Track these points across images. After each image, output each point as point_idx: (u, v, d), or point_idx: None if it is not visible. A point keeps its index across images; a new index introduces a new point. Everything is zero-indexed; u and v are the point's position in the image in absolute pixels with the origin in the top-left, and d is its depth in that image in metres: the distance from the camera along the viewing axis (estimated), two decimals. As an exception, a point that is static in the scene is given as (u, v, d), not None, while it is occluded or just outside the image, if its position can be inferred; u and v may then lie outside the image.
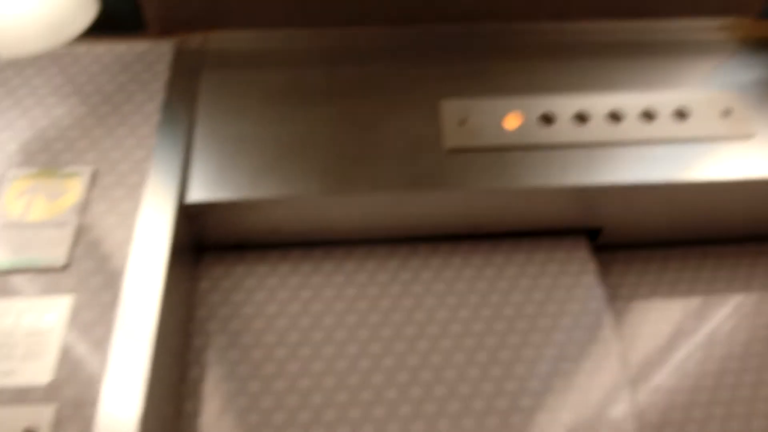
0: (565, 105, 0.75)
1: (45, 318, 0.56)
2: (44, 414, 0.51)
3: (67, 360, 0.54)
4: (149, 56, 0.74)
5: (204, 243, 0.72)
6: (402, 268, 0.73)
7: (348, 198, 0.67)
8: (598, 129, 0.73)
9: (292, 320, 0.69)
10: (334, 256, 0.73)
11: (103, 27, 0.68)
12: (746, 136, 0.75)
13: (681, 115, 0.76)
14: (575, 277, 0.75)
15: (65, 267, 0.59)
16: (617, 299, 0.78)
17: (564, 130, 0.73)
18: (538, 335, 0.70)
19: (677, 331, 0.78)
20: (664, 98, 0.77)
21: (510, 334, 0.70)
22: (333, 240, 0.74)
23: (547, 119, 0.74)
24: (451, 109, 0.73)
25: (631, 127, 0.74)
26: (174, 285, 0.62)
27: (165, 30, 0.76)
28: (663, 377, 0.74)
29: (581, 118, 0.74)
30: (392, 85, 0.75)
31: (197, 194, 0.65)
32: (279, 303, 0.70)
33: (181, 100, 0.70)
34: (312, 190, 0.66)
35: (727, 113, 0.76)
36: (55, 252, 0.60)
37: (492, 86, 0.76)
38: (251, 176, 0.66)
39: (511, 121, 0.73)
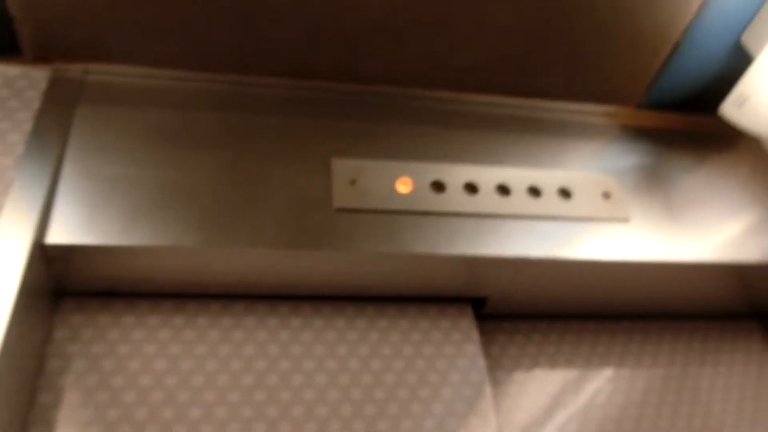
0: (455, 174, 0.76)
1: None
2: None
3: None
4: (20, 82, 0.68)
5: (65, 288, 0.66)
6: (282, 327, 0.70)
7: (227, 251, 0.64)
8: (487, 200, 0.75)
9: (157, 378, 0.63)
10: (210, 310, 0.69)
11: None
12: (623, 220, 0.79)
13: (565, 193, 0.79)
14: (458, 347, 0.75)
15: None
16: (498, 369, 0.79)
17: (454, 199, 0.74)
18: (418, 406, 0.68)
19: (554, 403, 0.78)
20: (550, 176, 0.80)
21: (389, 403, 0.68)
22: (210, 293, 0.70)
23: (438, 187, 0.75)
24: (342, 167, 0.72)
25: (519, 201, 0.76)
26: (21, 332, 0.56)
27: (41, 57, 0.71)
28: (537, 452, 0.74)
29: (471, 188, 0.76)
30: (284, 138, 0.74)
31: (60, 235, 0.60)
32: (144, 358, 0.64)
33: (51, 132, 0.65)
34: (189, 240, 0.63)
35: (607, 196, 0.81)
36: None
37: (385, 149, 0.76)
38: (124, 220, 0.62)
39: (402, 186, 0.73)
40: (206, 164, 0.69)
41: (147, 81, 0.74)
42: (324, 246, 0.66)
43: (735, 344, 0.90)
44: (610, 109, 0.93)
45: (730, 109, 0.81)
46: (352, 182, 0.71)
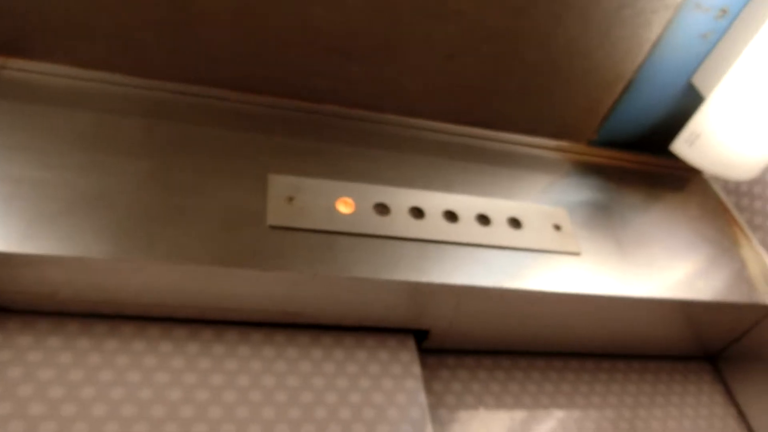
0: (401, 197, 0.73)
1: None
2: None
3: None
4: None
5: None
6: (203, 354, 0.63)
7: (144, 266, 0.57)
8: (433, 226, 0.71)
9: (52, 407, 0.56)
10: (122, 333, 0.62)
11: None
12: (574, 253, 0.76)
13: (515, 223, 0.76)
14: (398, 381, 0.69)
15: None
16: (440, 407, 0.73)
17: (398, 223, 0.70)
18: (349, 444, 0.62)
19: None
20: (500, 205, 0.77)
21: (318, 441, 0.62)
22: (123, 314, 0.63)
23: (382, 209, 0.70)
24: (279, 184, 0.68)
25: (467, 228, 0.73)
26: None
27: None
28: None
29: (417, 212, 0.72)
30: (219, 151, 0.69)
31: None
32: (38, 384, 0.57)
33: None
34: (101, 251, 0.56)
35: (557, 228, 0.78)
36: None
37: (328, 168, 0.72)
38: (26, 226, 0.55)
39: (343, 206, 0.68)
40: (129, 171, 0.63)
41: (69, 81, 0.69)
42: (253, 264, 0.60)
43: (686, 386, 0.87)
44: (562, 144, 0.91)
45: (682, 145, 0.80)
46: (290, 199, 0.66)
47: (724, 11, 0.77)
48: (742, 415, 0.87)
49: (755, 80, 0.73)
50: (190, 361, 0.62)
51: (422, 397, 0.68)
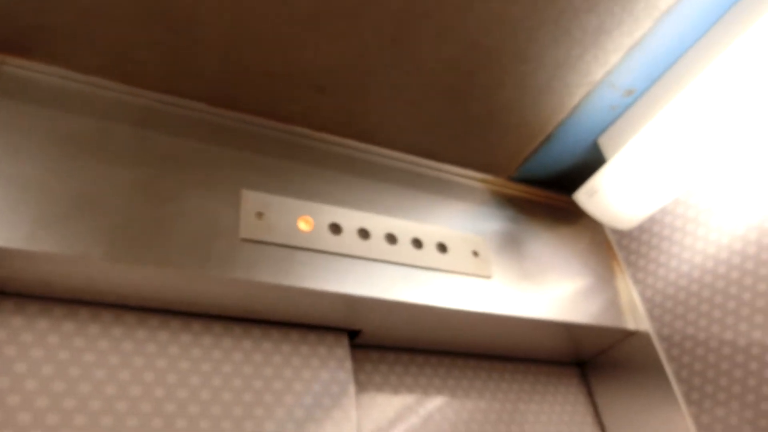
0: (352, 219, 0.85)
1: None
2: None
3: None
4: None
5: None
6: (172, 342, 0.74)
7: (136, 269, 0.67)
8: (376, 247, 0.84)
9: (43, 384, 0.65)
10: (102, 319, 0.71)
11: None
12: (487, 276, 0.92)
13: (442, 248, 0.91)
14: (332, 372, 0.83)
15: None
16: (363, 394, 0.88)
17: (348, 242, 0.82)
18: (292, 425, 0.75)
19: (406, 428, 0.89)
20: (431, 231, 0.91)
21: (267, 421, 0.74)
22: (103, 303, 0.72)
23: (336, 229, 0.82)
24: (251, 199, 0.78)
25: (404, 250, 0.86)
26: None
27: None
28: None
29: (364, 233, 0.84)
30: (200, 163, 0.77)
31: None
32: (30, 361, 0.65)
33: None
34: (95, 253, 0.65)
35: (476, 254, 0.93)
36: None
37: (293, 187, 0.82)
38: (30, 225, 0.63)
39: (304, 224, 0.80)
40: (122, 179, 0.71)
41: (66, 83, 0.74)
42: (227, 273, 0.71)
43: (558, 387, 1.07)
44: (487, 177, 1.06)
45: (582, 196, 0.97)
46: (259, 215, 0.77)
47: (630, 91, 0.94)
48: (597, 413, 1.08)
49: (648, 153, 0.91)
50: (161, 348, 0.72)
51: (351, 387, 0.82)
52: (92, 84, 0.76)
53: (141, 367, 0.70)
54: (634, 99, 0.96)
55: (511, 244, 1.00)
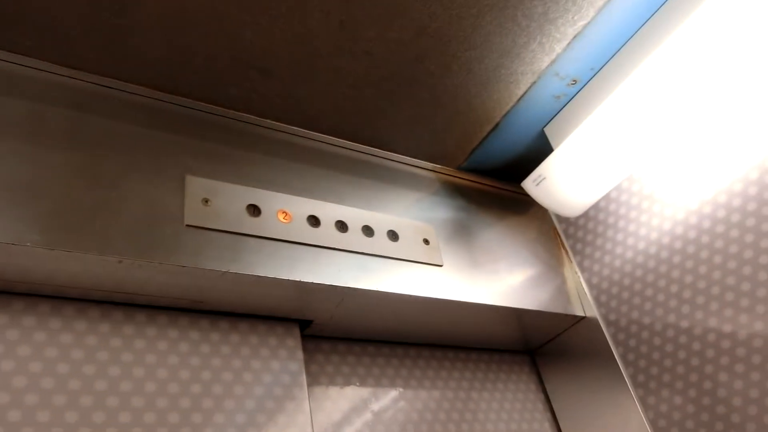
0: (301, 206, 0.83)
1: None
2: None
3: None
4: None
5: None
6: (114, 333, 0.71)
7: (70, 256, 0.63)
8: (326, 234, 0.83)
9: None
10: (39, 310, 0.68)
11: None
12: (438, 265, 0.92)
13: (393, 236, 0.90)
14: (283, 363, 0.81)
15: None
16: (315, 385, 0.86)
17: (298, 229, 0.81)
18: (243, 416, 0.73)
19: (359, 418, 0.88)
20: (382, 219, 0.91)
21: (216, 413, 0.72)
22: (40, 293, 0.68)
23: (285, 216, 0.81)
24: (196, 185, 0.75)
25: (354, 238, 0.85)
26: None
27: None
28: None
29: (314, 221, 0.83)
30: (142, 147, 0.75)
31: None
32: (-44, 356, 0.61)
33: None
34: (29, 239, 0.61)
35: (426, 242, 0.93)
36: None
37: (239, 173, 0.81)
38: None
39: (252, 211, 0.78)
40: (57, 163, 0.68)
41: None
42: (171, 260, 0.68)
43: (509, 375, 1.08)
44: (436, 166, 1.07)
45: (530, 184, 0.99)
46: (206, 201, 0.75)
47: (575, 81, 0.97)
48: (548, 399, 1.10)
49: (592, 142, 0.93)
50: (102, 339, 0.69)
51: (303, 378, 0.81)
52: (24, 65, 0.73)
53: (80, 359, 0.67)
54: (578, 89, 0.98)
55: (461, 233, 1.01)
